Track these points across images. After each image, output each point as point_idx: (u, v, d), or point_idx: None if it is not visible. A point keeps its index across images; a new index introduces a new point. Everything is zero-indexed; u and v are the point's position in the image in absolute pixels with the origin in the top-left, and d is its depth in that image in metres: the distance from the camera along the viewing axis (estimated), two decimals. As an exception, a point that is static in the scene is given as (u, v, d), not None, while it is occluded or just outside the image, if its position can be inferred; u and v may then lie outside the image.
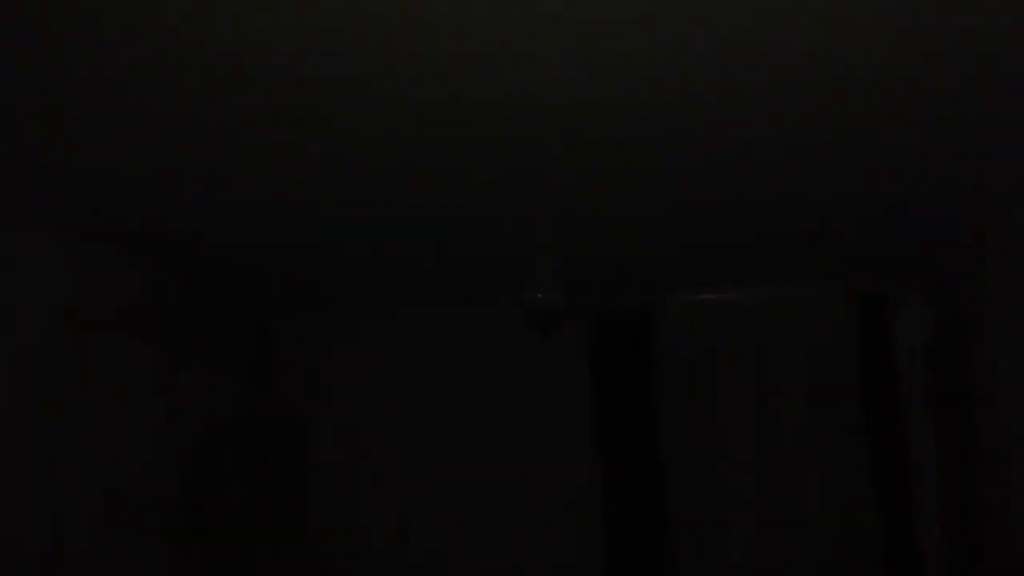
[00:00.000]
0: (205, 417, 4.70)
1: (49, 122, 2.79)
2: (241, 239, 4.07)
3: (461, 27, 2.29)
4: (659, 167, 3.30)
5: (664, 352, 4.87)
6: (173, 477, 4.40)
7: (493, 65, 2.49)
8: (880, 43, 2.41)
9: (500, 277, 4.75)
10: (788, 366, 4.73)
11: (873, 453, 4.61)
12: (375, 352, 5.29)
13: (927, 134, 3.04)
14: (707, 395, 4.79)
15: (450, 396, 5.16)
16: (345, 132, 2.93)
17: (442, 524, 5.05)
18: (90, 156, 3.07)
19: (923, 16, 2.28)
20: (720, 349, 4.82)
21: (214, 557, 4.62)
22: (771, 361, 4.76)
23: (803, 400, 4.70)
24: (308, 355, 5.34)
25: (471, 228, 3.97)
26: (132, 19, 2.21)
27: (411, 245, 4.20)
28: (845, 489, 4.59)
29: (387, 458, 5.18)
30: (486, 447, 5.09)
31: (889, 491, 4.56)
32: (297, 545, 5.13)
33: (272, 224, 3.87)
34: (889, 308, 4.67)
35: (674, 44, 2.40)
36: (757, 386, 4.76)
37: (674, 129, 2.97)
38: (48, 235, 3.70)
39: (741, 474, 4.70)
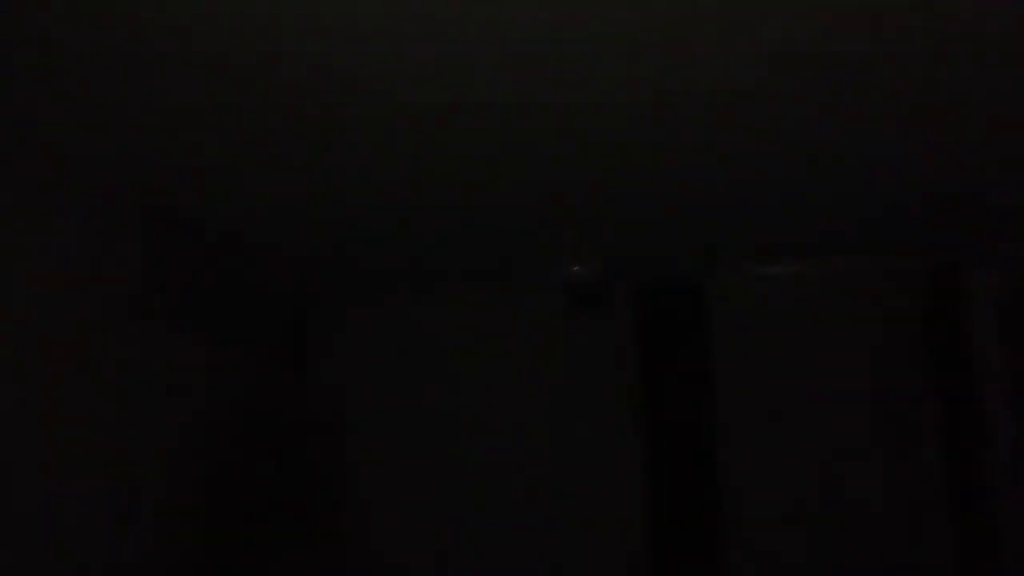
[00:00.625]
0: (237, 406, 4.54)
1: (73, 105, 2.75)
2: (276, 227, 4.01)
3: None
4: (709, 137, 3.11)
5: (719, 327, 4.69)
6: (203, 466, 4.24)
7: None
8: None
9: (539, 255, 4.52)
10: (852, 341, 4.57)
11: (944, 430, 4.42)
12: (415, 338, 5.11)
13: (997, 97, 2.85)
14: (766, 371, 4.62)
15: (491, 380, 4.97)
16: (374, 119, 2.93)
17: (482, 516, 4.88)
18: (119, 140, 3.02)
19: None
20: (779, 324, 4.64)
21: (243, 552, 4.49)
22: (834, 336, 4.59)
23: (868, 376, 4.53)
24: (346, 343, 5.17)
25: (506, 205, 3.80)
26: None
27: (446, 225, 4.06)
28: (913, 469, 4.41)
29: (427, 447, 5.01)
30: (527, 433, 4.90)
31: (961, 471, 4.36)
32: (331, 538, 5.00)
33: (305, 211, 3.80)
34: (960, 278, 4.44)
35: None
36: (820, 362, 4.59)
37: (723, 93, 2.79)
38: (77, 218, 3.58)
39: (802, 453, 4.54)
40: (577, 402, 4.84)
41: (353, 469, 5.02)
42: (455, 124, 2.99)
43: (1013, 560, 4.16)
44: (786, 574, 4.47)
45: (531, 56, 2.55)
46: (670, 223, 4.10)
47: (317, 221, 3.98)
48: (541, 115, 2.93)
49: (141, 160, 3.21)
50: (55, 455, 3.39)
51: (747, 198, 3.80)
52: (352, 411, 5.08)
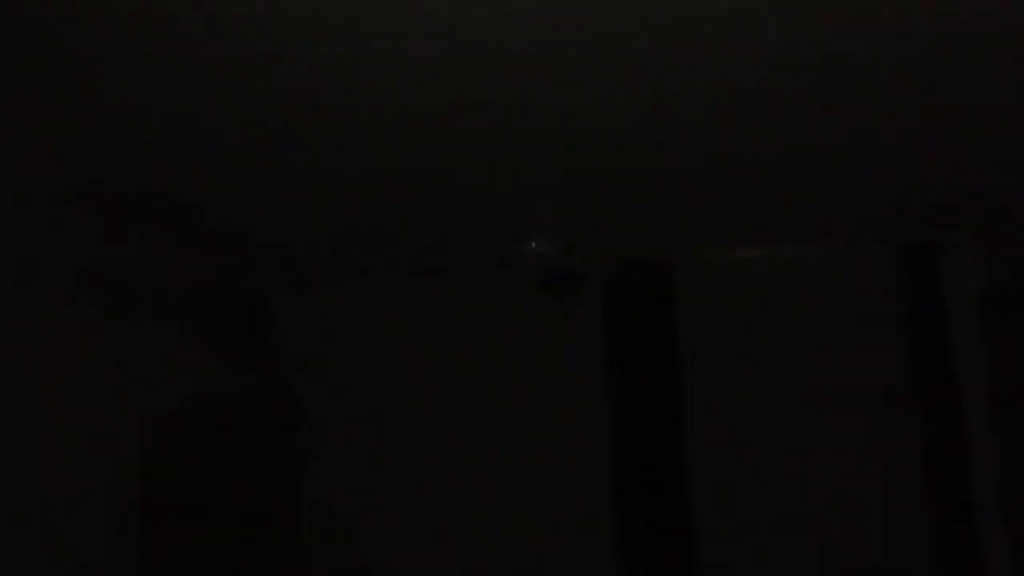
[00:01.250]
0: (183, 394, 4.33)
1: (24, 80, 2.62)
2: (233, 206, 3.83)
3: None
4: (674, 115, 2.97)
5: (687, 313, 4.58)
6: (153, 458, 4.06)
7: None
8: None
9: (503, 239, 4.37)
10: (826, 326, 4.43)
11: (923, 419, 4.24)
12: (378, 324, 4.96)
13: (980, 75, 2.75)
14: (736, 358, 4.50)
15: (455, 368, 4.83)
16: (342, 109, 2.87)
17: (446, 512, 4.73)
18: (62, 111, 2.85)
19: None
20: (750, 309, 4.52)
21: (194, 548, 4.27)
22: (807, 321, 4.45)
23: (843, 362, 4.39)
24: (304, 330, 5.02)
25: (469, 187, 3.67)
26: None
27: (408, 212, 3.95)
28: (892, 459, 4.26)
29: (388, 439, 4.85)
30: (491, 422, 4.77)
31: (941, 459, 4.18)
32: (287, 537, 4.82)
33: (262, 190, 3.63)
34: (937, 258, 4.30)
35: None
36: (793, 348, 4.45)
37: (688, 73, 2.67)
38: (10, 195, 3.39)
39: (774, 447, 4.41)
40: (543, 389, 4.72)
41: (313, 462, 4.88)
42: (420, 118, 2.95)
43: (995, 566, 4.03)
44: (758, 572, 4.38)
45: (516, 55, 2.52)
46: (637, 206, 3.98)
47: (274, 208, 3.86)
48: (510, 106, 2.87)
49: (91, 142, 3.08)
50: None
51: (715, 180, 3.68)
52: (311, 402, 4.93)
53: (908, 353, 4.33)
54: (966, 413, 4.16)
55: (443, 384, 4.83)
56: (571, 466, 4.65)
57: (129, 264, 4.04)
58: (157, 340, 4.18)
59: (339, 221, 4.09)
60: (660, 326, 4.60)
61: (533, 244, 3.49)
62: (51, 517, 3.47)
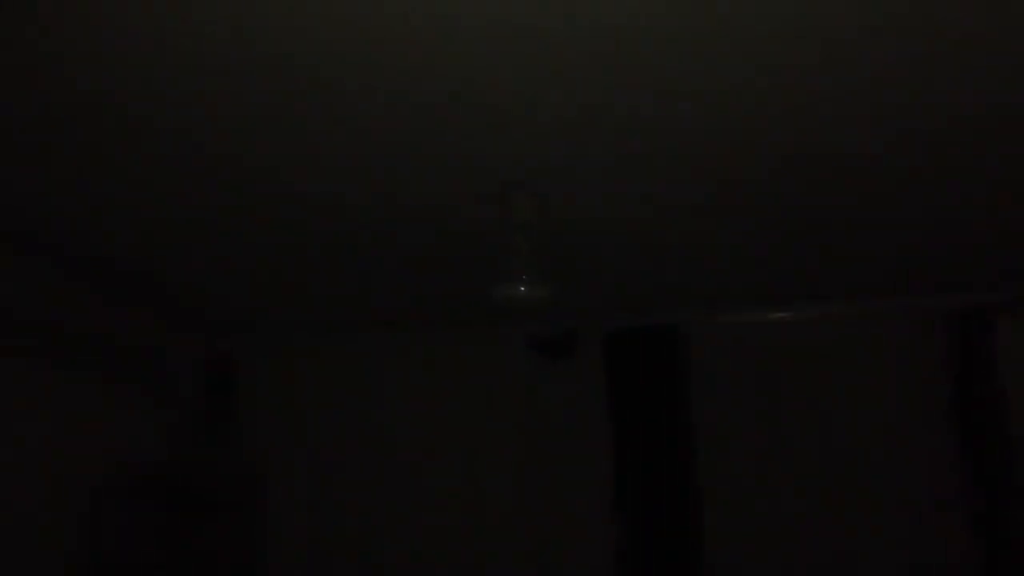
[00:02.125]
0: (131, 463, 3.92)
1: None
2: (190, 261, 3.59)
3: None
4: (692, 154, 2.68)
5: (701, 376, 4.10)
6: (102, 530, 3.68)
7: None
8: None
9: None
10: (856, 394, 3.96)
11: (972, 498, 3.76)
12: (354, 386, 4.42)
13: None
14: (755, 426, 4.02)
15: (441, 437, 4.28)
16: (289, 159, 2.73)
17: None
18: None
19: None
20: (772, 374, 4.05)
21: None
22: (838, 389, 3.98)
23: (879, 438, 3.90)
24: (270, 391, 4.48)
25: (451, 241, 3.36)
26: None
27: (384, 266, 3.63)
28: (936, 552, 3.75)
29: (363, 517, 4.26)
30: (483, 495, 4.21)
31: (994, 555, 3.67)
32: None
33: (226, 255, 3.46)
34: (987, 323, 3.82)
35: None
36: (819, 418, 3.97)
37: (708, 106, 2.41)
38: None
39: (796, 519, 3.91)
40: (541, 459, 4.18)
41: (275, 537, 4.27)
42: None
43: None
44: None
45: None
46: (644, 268, 3.67)
47: (239, 267, 3.65)
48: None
49: (41, 196, 2.96)
50: None
51: (731, 241, 3.37)
52: (276, 473, 4.35)
53: (955, 428, 3.83)
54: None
55: (426, 453, 4.28)
56: (572, 546, 4.10)
57: (75, 319, 3.70)
58: (105, 402, 3.81)
59: (309, 277, 3.80)
60: (671, 391, 4.11)
61: (522, 288, 2.98)
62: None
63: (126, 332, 3.98)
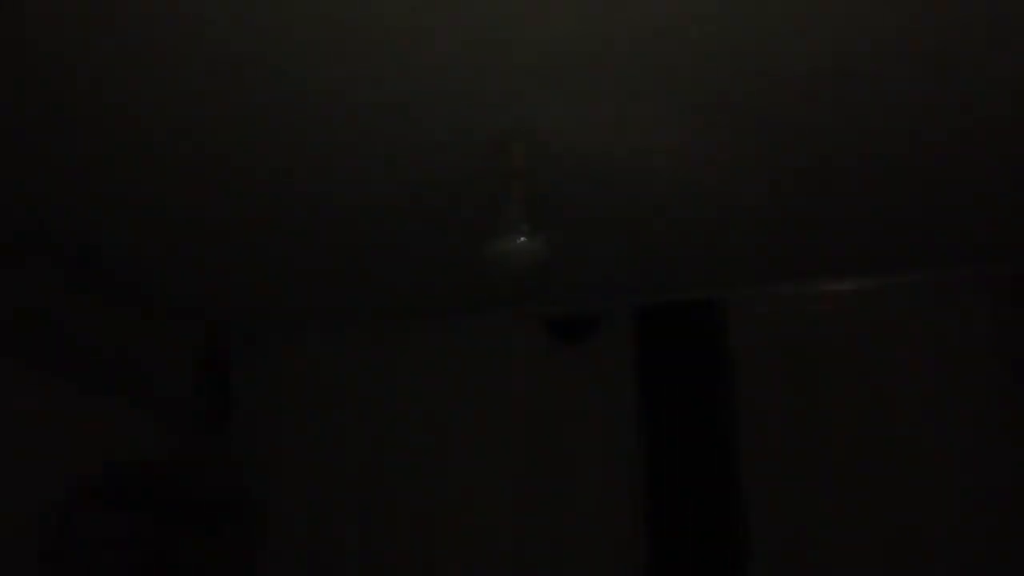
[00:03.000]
0: (134, 471, 3.64)
1: None
2: (183, 254, 3.44)
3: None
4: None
5: (742, 354, 3.63)
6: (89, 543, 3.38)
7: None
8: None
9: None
10: (907, 367, 3.50)
11: None
12: (360, 387, 4.00)
13: None
14: (801, 405, 3.55)
15: (456, 436, 3.85)
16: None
17: None
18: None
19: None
20: (817, 351, 3.58)
21: None
22: (885, 363, 3.52)
23: (924, 409, 3.45)
24: (267, 389, 4.11)
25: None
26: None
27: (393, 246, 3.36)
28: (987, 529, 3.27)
29: (374, 527, 3.84)
30: (504, 503, 3.75)
31: None
32: None
33: (215, 235, 3.26)
34: None
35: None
36: (869, 394, 3.51)
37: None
38: None
39: (845, 504, 3.44)
40: (557, 458, 3.73)
41: (273, 547, 3.87)
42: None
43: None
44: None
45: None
46: (674, 235, 3.30)
47: (233, 261, 3.48)
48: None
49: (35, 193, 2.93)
50: None
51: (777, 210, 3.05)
52: (274, 473, 3.97)
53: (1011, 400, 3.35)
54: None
55: (432, 454, 3.87)
56: (593, 560, 3.62)
57: (59, 313, 3.46)
58: (89, 400, 3.53)
59: (306, 271, 3.58)
60: (712, 377, 3.66)
61: (521, 239, 2.56)
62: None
63: (113, 326, 3.71)
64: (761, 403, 3.57)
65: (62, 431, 3.41)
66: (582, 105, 2.44)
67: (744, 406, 3.58)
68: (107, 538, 3.48)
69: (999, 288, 3.47)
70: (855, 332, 3.58)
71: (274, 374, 4.10)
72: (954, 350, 3.47)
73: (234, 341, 4.20)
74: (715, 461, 3.58)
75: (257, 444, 4.01)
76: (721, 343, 3.65)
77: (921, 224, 3.20)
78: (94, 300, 3.62)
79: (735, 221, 3.17)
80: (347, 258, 3.50)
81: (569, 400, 3.77)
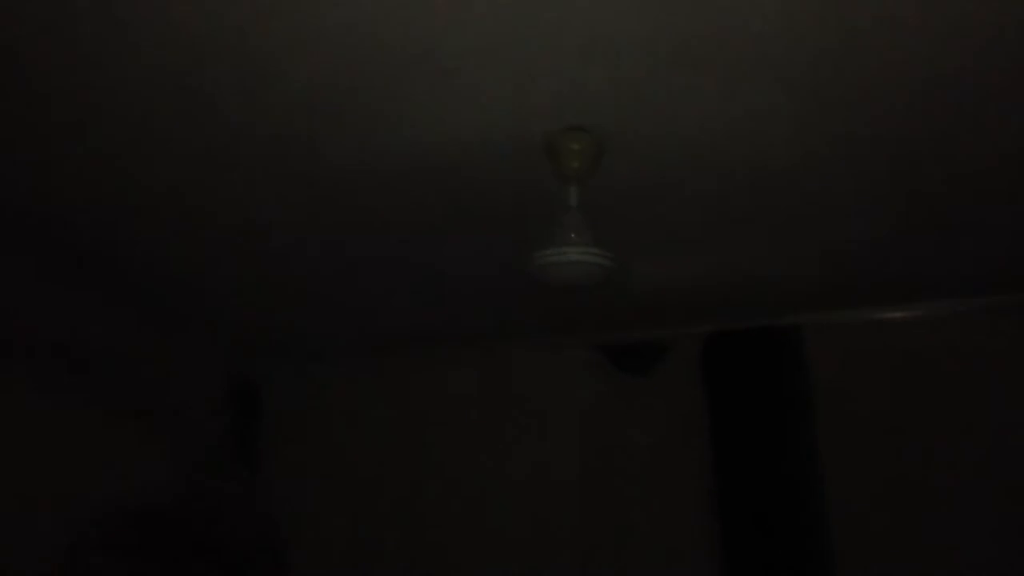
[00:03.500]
0: (135, 500, 3.36)
1: None
2: (210, 273, 3.18)
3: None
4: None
5: (821, 383, 3.28)
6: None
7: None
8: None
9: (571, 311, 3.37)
10: (999, 393, 3.18)
11: None
12: (386, 417, 3.72)
13: None
14: (889, 436, 3.21)
15: (490, 470, 3.53)
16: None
17: None
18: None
19: None
20: (901, 376, 3.24)
21: None
22: (976, 387, 3.20)
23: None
24: (298, 419, 3.82)
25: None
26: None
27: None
28: None
29: (403, 564, 3.53)
30: (544, 546, 3.42)
31: None
32: None
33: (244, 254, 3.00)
34: None
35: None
36: (959, 419, 3.19)
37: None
38: None
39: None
40: (615, 499, 3.37)
41: None
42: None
43: None
44: None
45: None
46: (744, 255, 2.98)
47: (264, 282, 3.20)
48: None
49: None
50: None
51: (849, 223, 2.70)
52: (305, 511, 3.67)
53: None
54: None
55: (477, 493, 3.53)
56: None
57: (76, 334, 3.20)
58: (106, 430, 3.28)
59: (340, 291, 3.28)
60: (792, 411, 3.28)
61: (579, 252, 2.24)
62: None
63: (134, 350, 3.45)
64: (845, 435, 3.21)
65: (72, 465, 3.12)
66: (648, 96, 2.16)
67: (826, 439, 3.23)
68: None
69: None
70: (943, 357, 3.25)
71: (304, 407, 3.82)
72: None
73: (262, 371, 3.91)
74: (798, 500, 3.21)
75: (283, 482, 3.72)
76: (800, 372, 3.30)
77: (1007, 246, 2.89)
78: (112, 319, 3.36)
79: (818, 238, 2.86)
80: (385, 283, 3.22)
81: (632, 436, 3.40)
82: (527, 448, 3.51)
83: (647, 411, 3.42)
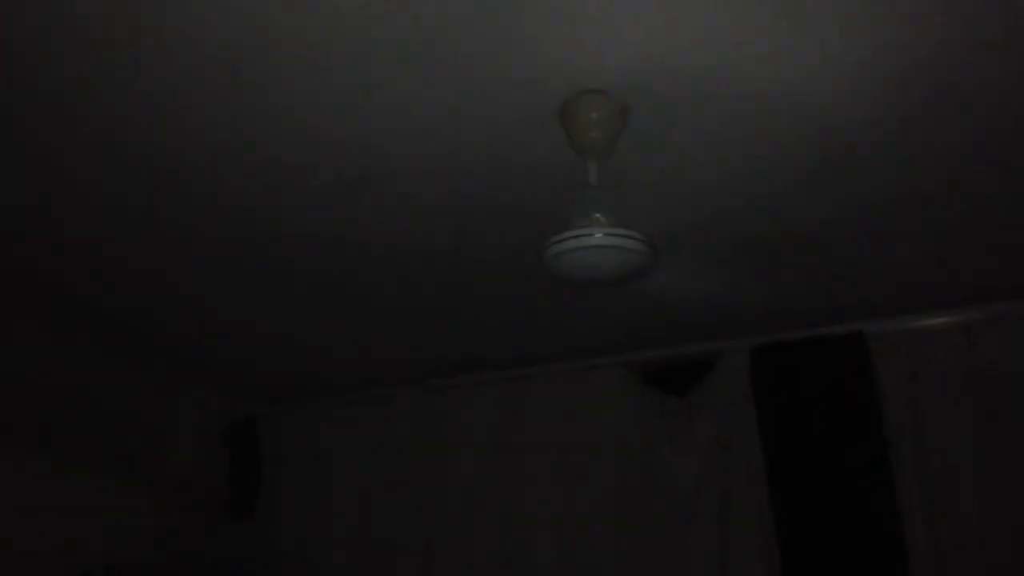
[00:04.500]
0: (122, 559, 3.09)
1: None
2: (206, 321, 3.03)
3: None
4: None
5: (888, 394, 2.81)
6: None
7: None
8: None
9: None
10: None
11: None
12: (399, 458, 3.27)
13: None
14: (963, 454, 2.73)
15: (516, 508, 3.07)
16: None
17: None
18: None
19: None
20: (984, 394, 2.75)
21: None
22: None
23: None
24: (300, 465, 3.40)
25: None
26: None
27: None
28: None
29: None
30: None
31: None
32: None
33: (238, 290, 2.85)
34: None
35: None
36: None
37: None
38: None
39: None
40: (654, 536, 2.92)
41: None
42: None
43: None
44: None
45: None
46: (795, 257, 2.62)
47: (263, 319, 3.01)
48: None
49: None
50: None
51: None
52: (310, 566, 3.25)
53: None
54: None
55: (500, 535, 3.07)
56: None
57: (60, 379, 2.99)
58: (91, 482, 3.06)
59: (347, 324, 3.06)
60: (862, 429, 2.82)
61: (605, 235, 1.84)
62: None
63: (123, 395, 3.20)
64: (920, 458, 2.77)
65: (58, 521, 2.93)
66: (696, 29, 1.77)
67: (900, 462, 2.79)
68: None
69: None
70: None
71: (304, 448, 3.41)
72: None
73: (260, 411, 3.53)
74: (869, 534, 2.74)
75: (284, 531, 3.32)
76: (866, 387, 2.86)
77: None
78: (98, 363, 3.11)
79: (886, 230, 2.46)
80: (389, 306, 2.90)
81: (671, 464, 2.99)
82: (554, 487, 3.08)
83: (690, 437, 2.98)
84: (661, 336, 3.04)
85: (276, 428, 3.45)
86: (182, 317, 2.99)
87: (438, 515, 3.14)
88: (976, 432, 2.73)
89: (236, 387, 3.46)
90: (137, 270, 2.68)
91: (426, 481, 3.18)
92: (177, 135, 2.05)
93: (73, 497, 2.99)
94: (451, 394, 3.27)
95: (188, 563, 3.26)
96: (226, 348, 3.20)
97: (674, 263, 2.57)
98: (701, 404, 2.99)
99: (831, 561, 2.75)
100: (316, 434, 3.40)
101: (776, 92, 1.90)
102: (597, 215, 1.86)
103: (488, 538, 3.07)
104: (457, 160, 2.14)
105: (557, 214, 1.95)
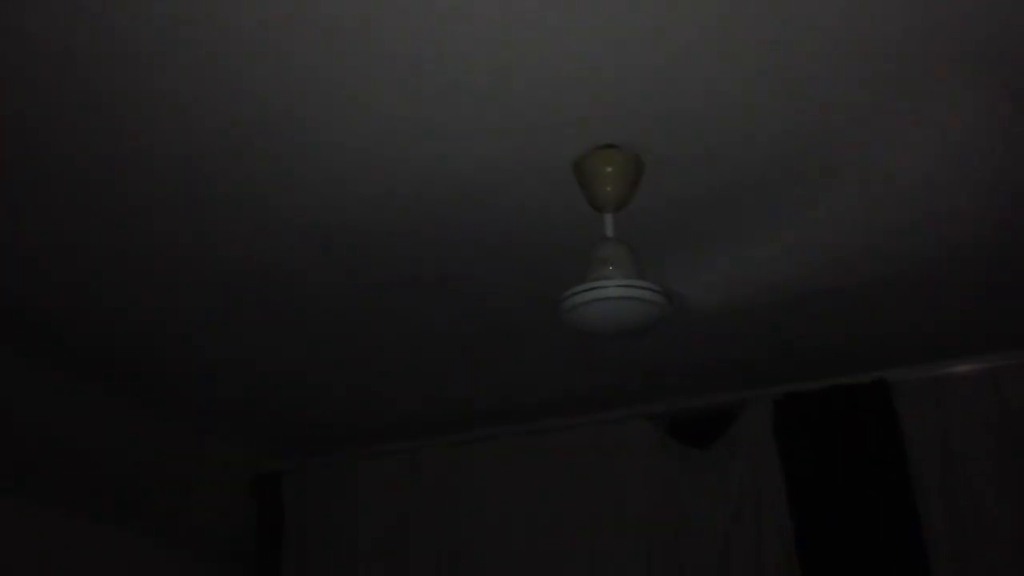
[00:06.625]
0: None
1: None
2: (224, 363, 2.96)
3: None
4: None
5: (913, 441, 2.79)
6: None
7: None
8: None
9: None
10: None
11: None
12: (425, 513, 3.23)
13: None
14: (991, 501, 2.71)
15: (544, 562, 3.04)
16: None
17: None
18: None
19: None
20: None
21: None
22: None
23: None
24: (327, 523, 3.35)
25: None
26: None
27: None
28: None
29: None
30: None
31: None
32: None
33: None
34: None
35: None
36: None
37: None
38: None
39: None
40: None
41: None
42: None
43: None
44: None
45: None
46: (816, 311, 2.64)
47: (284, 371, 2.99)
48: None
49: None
50: None
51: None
52: None
53: None
54: None
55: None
56: None
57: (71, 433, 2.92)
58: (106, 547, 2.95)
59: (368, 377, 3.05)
60: (888, 478, 2.79)
61: (613, 286, 1.85)
62: None
63: (147, 450, 3.15)
64: (948, 506, 2.74)
65: (81, 573, 2.85)
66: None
67: (927, 511, 2.75)
68: None
69: None
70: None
71: (330, 505, 3.36)
72: None
73: (286, 468, 3.50)
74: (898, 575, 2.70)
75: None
76: (891, 436, 2.82)
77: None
78: (123, 426, 3.07)
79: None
80: (418, 361, 2.91)
81: (700, 515, 2.96)
82: (581, 539, 3.05)
83: (717, 488, 2.95)
84: (686, 385, 3.03)
85: (300, 482, 3.43)
86: (207, 371, 2.98)
87: (465, 570, 3.12)
88: (1004, 480, 2.69)
89: (260, 441, 3.45)
90: (164, 327, 2.70)
91: (452, 535, 3.16)
92: (198, 191, 2.09)
93: (97, 553, 2.92)
94: (476, 447, 3.26)
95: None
96: (250, 401, 3.19)
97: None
98: (727, 455, 2.97)
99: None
100: (341, 488, 3.38)
101: (792, 147, 1.93)
102: (611, 268, 1.87)
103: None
104: (484, 208, 2.17)
105: (578, 265, 1.97)
